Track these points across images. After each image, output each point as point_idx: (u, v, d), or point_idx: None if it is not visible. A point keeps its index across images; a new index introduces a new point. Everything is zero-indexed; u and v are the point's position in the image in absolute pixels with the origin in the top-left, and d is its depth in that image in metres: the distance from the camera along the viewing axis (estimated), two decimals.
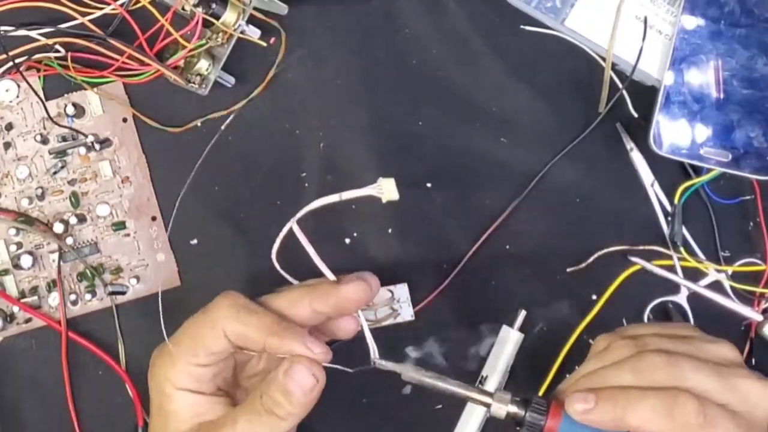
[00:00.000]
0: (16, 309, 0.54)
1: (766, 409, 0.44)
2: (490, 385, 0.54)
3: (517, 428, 0.45)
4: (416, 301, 0.55)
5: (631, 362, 0.45)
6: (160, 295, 0.50)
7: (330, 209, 0.55)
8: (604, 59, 0.55)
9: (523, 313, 0.55)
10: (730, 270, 0.55)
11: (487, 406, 0.45)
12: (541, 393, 0.55)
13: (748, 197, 0.55)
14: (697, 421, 0.42)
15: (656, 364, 0.44)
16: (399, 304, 0.53)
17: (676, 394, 0.43)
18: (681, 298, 0.55)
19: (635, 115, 0.54)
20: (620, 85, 0.54)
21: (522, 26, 0.55)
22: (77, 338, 0.54)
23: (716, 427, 0.43)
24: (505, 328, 0.55)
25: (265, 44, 0.53)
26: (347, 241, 0.55)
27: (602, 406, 0.43)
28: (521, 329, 0.55)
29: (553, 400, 0.45)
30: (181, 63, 0.53)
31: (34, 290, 0.54)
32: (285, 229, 0.47)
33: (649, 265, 0.54)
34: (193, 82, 0.53)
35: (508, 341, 0.54)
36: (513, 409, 0.44)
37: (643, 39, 0.52)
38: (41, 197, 0.55)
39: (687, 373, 0.44)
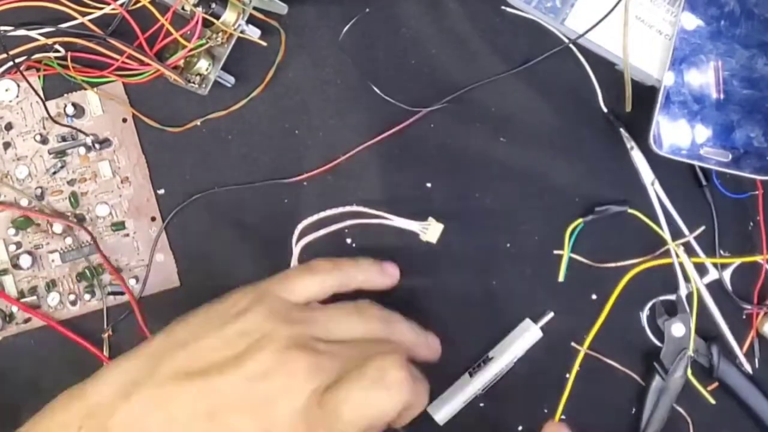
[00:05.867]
0: (15, 309, 0.54)
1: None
2: (492, 367, 0.54)
3: None
4: (415, 298, 0.55)
5: None
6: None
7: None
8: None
9: (550, 315, 0.55)
10: (730, 269, 0.55)
11: None
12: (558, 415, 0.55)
13: (756, 192, 0.55)
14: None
15: None
16: None
17: None
18: (681, 297, 0.55)
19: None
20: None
21: (502, 7, 0.55)
22: (76, 338, 0.54)
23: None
24: (527, 321, 0.55)
25: (265, 44, 0.53)
26: (348, 240, 0.55)
27: None
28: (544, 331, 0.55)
29: None
30: (181, 63, 0.53)
31: (33, 290, 0.54)
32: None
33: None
34: (193, 82, 0.53)
35: (525, 334, 0.55)
36: None
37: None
38: (41, 197, 0.55)
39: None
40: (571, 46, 0.55)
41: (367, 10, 0.55)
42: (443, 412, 0.54)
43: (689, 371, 0.54)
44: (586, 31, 0.53)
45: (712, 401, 0.54)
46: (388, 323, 0.48)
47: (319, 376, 0.42)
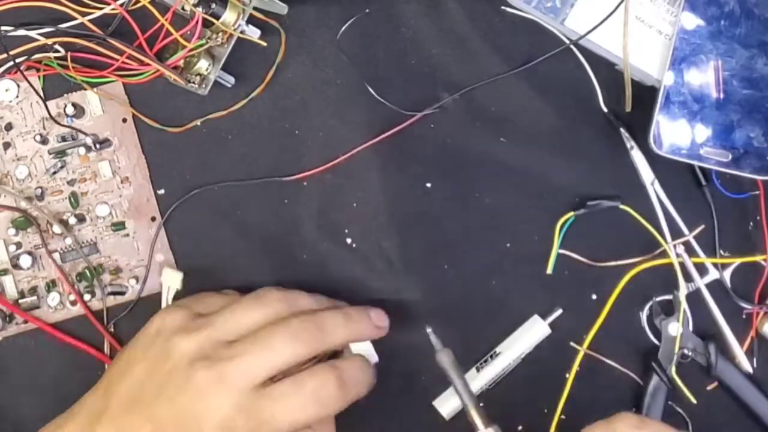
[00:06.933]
0: None
1: None
2: (500, 361, 0.54)
3: None
4: (415, 297, 0.55)
5: None
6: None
7: (332, 209, 0.55)
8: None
9: (558, 311, 0.55)
10: (730, 269, 0.55)
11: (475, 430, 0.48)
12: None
13: (756, 192, 0.55)
14: None
15: None
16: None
17: None
18: (677, 297, 0.55)
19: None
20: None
21: (503, 7, 0.55)
22: (72, 341, 0.54)
23: None
24: (536, 317, 0.55)
25: (265, 44, 0.53)
26: (348, 241, 0.55)
27: None
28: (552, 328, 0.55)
29: None
30: (181, 63, 0.53)
31: (33, 290, 0.54)
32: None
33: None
34: (193, 82, 0.53)
35: (533, 330, 0.55)
36: None
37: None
38: (41, 197, 0.55)
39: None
40: (571, 46, 0.55)
41: (367, 10, 0.55)
42: (450, 406, 0.54)
43: (673, 369, 0.54)
44: (587, 32, 0.53)
45: (694, 401, 0.54)
46: (291, 301, 0.50)
47: (231, 383, 0.46)
